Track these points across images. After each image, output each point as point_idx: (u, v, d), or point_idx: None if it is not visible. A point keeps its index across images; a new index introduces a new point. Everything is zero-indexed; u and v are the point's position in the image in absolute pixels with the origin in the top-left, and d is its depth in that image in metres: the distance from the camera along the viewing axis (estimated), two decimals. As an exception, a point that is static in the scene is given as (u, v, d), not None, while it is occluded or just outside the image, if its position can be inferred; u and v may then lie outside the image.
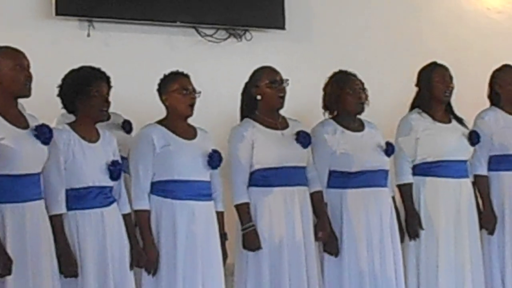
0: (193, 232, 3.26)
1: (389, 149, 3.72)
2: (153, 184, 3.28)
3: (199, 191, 3.32)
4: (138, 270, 3.20)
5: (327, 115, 3.76)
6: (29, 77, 2.84)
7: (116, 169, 3.08)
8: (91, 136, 3.08)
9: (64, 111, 3.30)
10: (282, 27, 4.84)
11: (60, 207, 2.92)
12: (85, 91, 3.04)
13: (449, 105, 3.89)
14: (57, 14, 4.30)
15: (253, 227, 3.42)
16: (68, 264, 2.91)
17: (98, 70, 3.14)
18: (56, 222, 2.92)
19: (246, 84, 3.65)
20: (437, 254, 3.76)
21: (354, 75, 3.76)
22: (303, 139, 3.56)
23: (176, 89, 3.32)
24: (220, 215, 3.42)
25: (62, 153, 2.97)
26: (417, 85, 3.90)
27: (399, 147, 3.79)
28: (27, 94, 2.85)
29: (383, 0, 5.30)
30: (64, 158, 2.96)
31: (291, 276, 3.47)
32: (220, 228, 3.40)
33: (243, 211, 3.45)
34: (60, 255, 2.91)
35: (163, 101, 3.38)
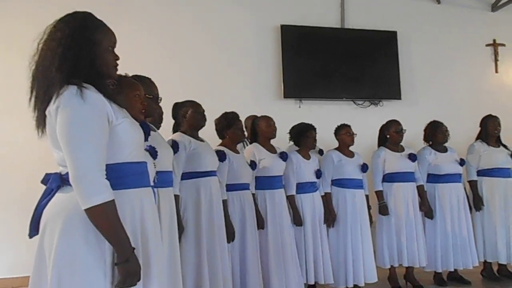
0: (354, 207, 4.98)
1: None
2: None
3: (358, 184, 4.95)
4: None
5: None
6: (274, 131, 4.57)
7: None
8: None
9: None
10: (399, 97, 6.27)
11: None
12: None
13: None
14: (284, 97, 6.05)
15: (384, 203, 4.98)
16: None
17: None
18: None
19: (382, 127, 5.11)
20: None
21: None
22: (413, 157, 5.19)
23: (344, 133, 4.92)
24: (366, 197, 4.96)
25: None
26: None
27: None
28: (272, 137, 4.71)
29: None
30: None
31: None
32: (366, 202, 4.93)
33: (379, 194, 5.08)
34: None
35: (337, 138, 4.94)
